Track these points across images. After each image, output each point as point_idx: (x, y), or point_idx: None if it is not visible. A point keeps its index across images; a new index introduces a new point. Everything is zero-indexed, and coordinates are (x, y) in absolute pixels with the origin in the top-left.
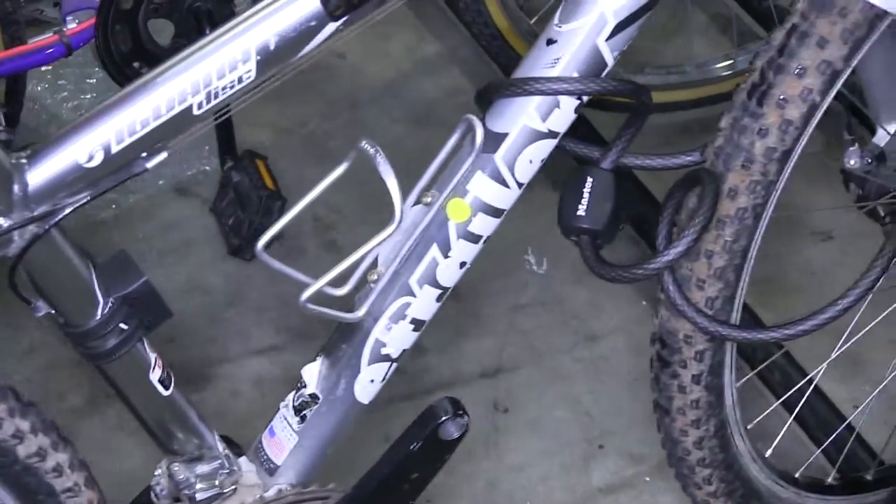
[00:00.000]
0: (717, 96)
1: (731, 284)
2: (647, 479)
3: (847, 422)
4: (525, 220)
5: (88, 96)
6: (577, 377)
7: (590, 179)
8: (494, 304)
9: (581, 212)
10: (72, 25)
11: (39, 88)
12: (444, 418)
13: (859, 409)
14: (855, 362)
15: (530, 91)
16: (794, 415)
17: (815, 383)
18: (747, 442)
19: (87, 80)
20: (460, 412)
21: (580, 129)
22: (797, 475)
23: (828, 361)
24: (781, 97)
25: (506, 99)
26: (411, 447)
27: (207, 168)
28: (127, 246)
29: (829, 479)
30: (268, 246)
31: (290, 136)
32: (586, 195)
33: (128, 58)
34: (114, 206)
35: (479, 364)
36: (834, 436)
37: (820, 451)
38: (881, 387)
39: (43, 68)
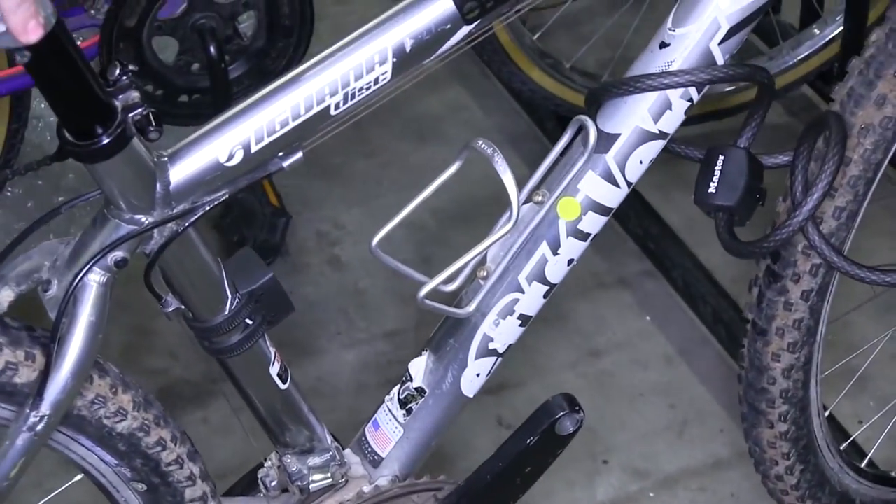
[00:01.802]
0: (719, 111)
1: (859, 199)
2: (652, 494)
3: (852, 438)
4: None
5: None
6: (581, 393)
7: (721, 157)
8: None
9: (712, 189)
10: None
11: (43, 106)
12: (560, 414)
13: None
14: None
15: (643, 88)
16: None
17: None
18: (819, 390)
19: None
20: (576, 408)
21: None
22: (842, 448)
23: None
24: None
25: (618, 100)
26: (527, 442)
27: None
28: (132, 263)
29: (863, 464)
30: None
31: None
32: (717, 172)
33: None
34: None
35: None
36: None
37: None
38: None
39: None
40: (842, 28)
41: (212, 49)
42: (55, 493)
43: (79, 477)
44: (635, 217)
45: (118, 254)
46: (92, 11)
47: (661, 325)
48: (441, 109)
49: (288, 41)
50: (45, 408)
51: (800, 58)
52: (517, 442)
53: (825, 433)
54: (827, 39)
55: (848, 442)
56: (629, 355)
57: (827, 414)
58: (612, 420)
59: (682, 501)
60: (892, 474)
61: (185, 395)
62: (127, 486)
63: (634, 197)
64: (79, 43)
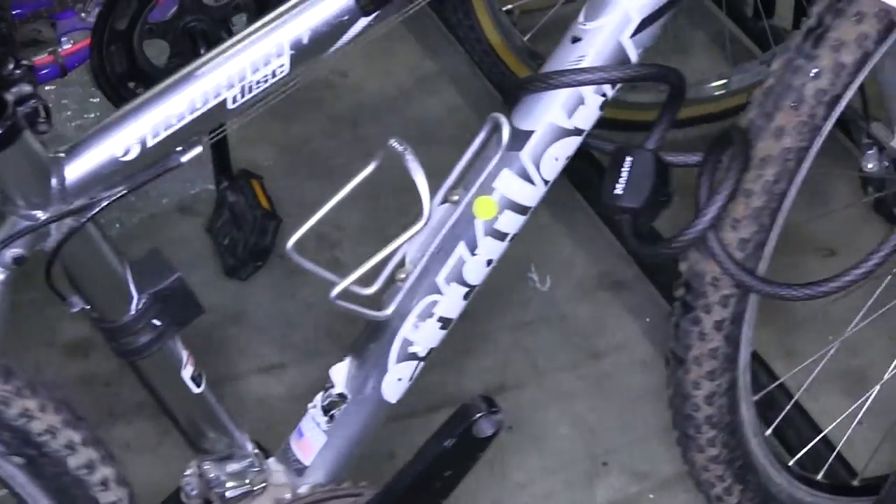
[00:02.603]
0: (710, 115)
1: (765, 229)
2: (652, 496)
3: (824, 433)
4: (528, 237)
5: (92, 115)
6: (581, 394)
7: (628, 159)
8: (497, 322)
9: (618, 190)
10: (67, 46)
11: None
12: (477, 416)
13: (838, 421)
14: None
15: (555, 84)
16: (794, 399)
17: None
18: (752, 412)
19: (91, 100)
20: (494, 409)
21: None
22: (790, 463)
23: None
24: (837, 40)
25: (532, 97)
26: (445, 444)
27: (211, 187)
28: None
29: (819, 476)
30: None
31: (294, 155)
32: (624, 174)
33: (123, 78)
34: (118, 226)
35: (483, 382)
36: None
37: (796, 459)
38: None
39: (46, 87)
40: None
41: (203, 52)
42: None
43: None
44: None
45: (15, 250)
46: (83, 14)
47: (661, 327)
48: (440, 111)
49: None
50: None
51: None
52: (435, 445)
53: (766, 451)
54: None
55: (795, 459)
56: (629, 357)
57: (769, 433)
58: (612, 422)
59: (682, 503)
60: (855, 483)
61: None
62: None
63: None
64: (70, 46)
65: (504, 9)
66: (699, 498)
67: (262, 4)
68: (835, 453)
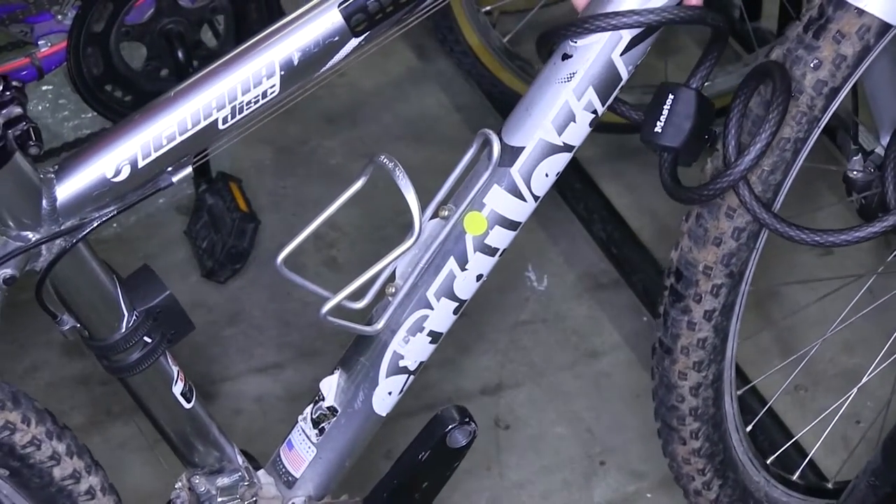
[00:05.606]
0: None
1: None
2: (649, 495)
3: (795, 438)
4: (526, 236)
5: (89, 115)
6: (578, 394)
7: (670, 97)
8: (495, 321)
9: (658, 128)
10: (44, 48)
11: (41, 108)
12: (450, 426)
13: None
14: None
15: (592, 28)
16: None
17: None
18: (736, 406)
19: None
20: (467, 419)
21: None
22: (769, 461)
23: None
24: (838, 32)
25: (521, 113)
26: (419, 457)
27: None
28: (128, 265)
29: (795, 477)
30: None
31: (292, 155)
32: (665, 112)
33: (99, 81)
34: (115, 226)
35: (480, 381)
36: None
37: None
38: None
39: (44, 88)
40: None
41: (180, 54)
42: None
43: None
44: (600, 221)
45: (6, 271)
46: (59, 17)
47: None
48: (437, 111)
49: None
50: None
51: None
52: (410, 457)
53: (746, 448)
54: None
55: (775, 456)
56: (626, 356)
57: (749, 429)
58: (609, 421)
59: (679, 502)
60: (829, 485)
61: None
62: None
63: (599, 199)
64: (46, 48)
65: (483, 10)
66: None
67: (238, 8)
68: (809, 457)
